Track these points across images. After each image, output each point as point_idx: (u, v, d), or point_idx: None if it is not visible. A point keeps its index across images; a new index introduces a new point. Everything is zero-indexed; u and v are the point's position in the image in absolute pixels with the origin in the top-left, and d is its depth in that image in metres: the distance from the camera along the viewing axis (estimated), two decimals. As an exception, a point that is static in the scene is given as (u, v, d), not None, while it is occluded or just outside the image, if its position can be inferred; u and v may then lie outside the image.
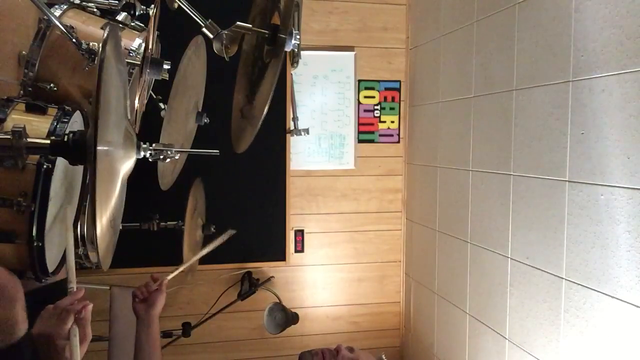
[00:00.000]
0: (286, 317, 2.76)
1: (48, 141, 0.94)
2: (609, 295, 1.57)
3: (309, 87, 2.98)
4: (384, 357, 1.62)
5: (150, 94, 1.92)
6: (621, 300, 1.53)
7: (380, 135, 3.09)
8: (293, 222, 2.98)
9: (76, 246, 1.58)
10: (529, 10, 1.96)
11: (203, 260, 2.48)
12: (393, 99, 3.09)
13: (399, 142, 3.11)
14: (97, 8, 1.57)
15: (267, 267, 2.95)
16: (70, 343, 1.00)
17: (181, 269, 1.53)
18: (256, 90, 1.35)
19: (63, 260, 1.43)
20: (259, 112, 1.24)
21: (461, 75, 2.46)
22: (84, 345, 1.04)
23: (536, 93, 1.91)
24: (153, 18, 1.25)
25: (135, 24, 1.64)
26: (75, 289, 1.12)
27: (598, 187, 1.62)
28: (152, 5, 1.35)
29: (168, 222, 2.35)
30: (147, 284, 1.52)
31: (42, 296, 1.50)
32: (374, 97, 3.07)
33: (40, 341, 1.01)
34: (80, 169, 1.47)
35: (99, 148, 0.78)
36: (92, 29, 1.45)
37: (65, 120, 1.26)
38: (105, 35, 0.85)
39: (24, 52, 1.41)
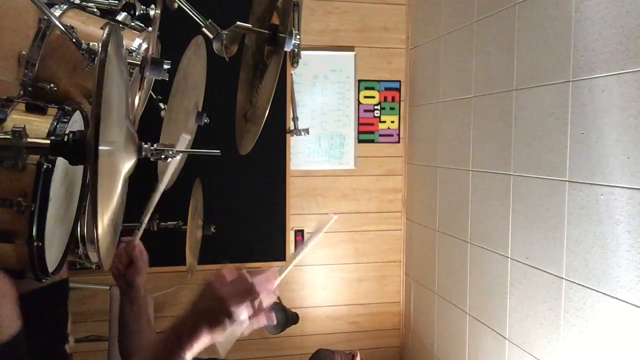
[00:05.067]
0: (286, 317, 2.75)
1: (48, 141, 0.94)
2: (609, 295, 1.57)
3: (309, 87, 2.98)
4: None
5: (150, 94, 1.92)
6: (621, 300, 1.53)
7: (380, 135, 3.09)
8: (293, 222, 2.98)
9: (76, 246, 1.58)
10: (529, 10, 1.96)
11: (203, 260, 2.49)
12: (393, 99, 3.09)
13: (399, 142, 3.12)
14: (97, 8, 1.57)
15: (267, 267, 2.95)
16: (231, 328, 0.85)
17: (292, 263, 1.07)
18: (257, 91, 1.35)
19: (63, 260, 1.43)
20: (261, 113, 1.24)
21: (461, 75, 2.46)
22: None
23: (536, 93, 1.91)
24: (155, 19, 1.25)
25: (135, 24, 1.64)
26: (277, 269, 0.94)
27: (598, 187, 1.62)
28: (153, 6, 1.35)
29: (168, 222, 2.35)
30: (125, 249, 1.34)
31: (41, 297, 1.49)
32: (374, 97, 3.07)
33: (207, 293, 0.84)
34: (80, 169, 1.47)
35: (100, 148, 0.78)
36: (92, 29, 1.44)
37: (65, 120, 1.26)
38: (106, 34, 0.85)
39: (24, 52, 1.41)
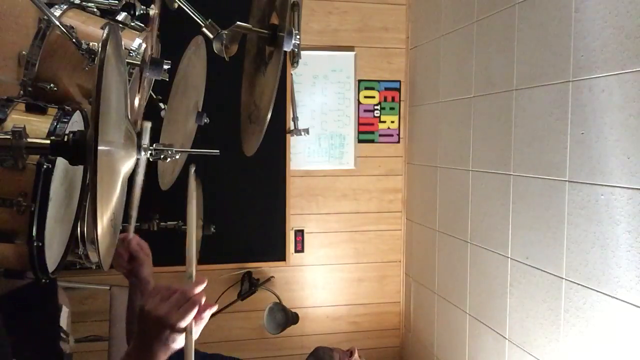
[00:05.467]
0: (286, 317, 2.76)
1: (48, 141, 0.94)
2: (609, 295, 1.57)
3: (309, 87, 2.98)
4: None
5: (150, 94, 1.92)
6: (621, 300, 1.53)
7: (380, 135, 3.09)
8: (293, 222, 2.98)
9: (77, 246, 1.58)
10: (529, 10, 1.96)
11: (203, 261, 2.49)
12: (393, 99, 3.09)
13: (399, 142, 3.12)
14: (97, 8, 1.57)
15: (267, 267, 2.95)
16: (186, 341, 0.89)
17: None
18: (260, 93, 1.35)
19: (63, 260, 1.43)
20: (264, 114, 1.24)
21: (461, 75, 2.46)
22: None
23: (536, 93, 1.91)
24: (153, 19, 1.25)
25: (135, 24, 1.64)
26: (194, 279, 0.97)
27: (598, 187, 1.62)
28: (153, 6, 1.35)
29: (168, 222, 2.35)
30: (123, 247, 1.37)
31: (30, 293, 1.49)
32: (374, 97, 3.07)
33: (148, 320, 0.89)
34: (80, 169, 1.47)
35: (100, 148, 0.78)
36: (92, 29, 1.44)
37: (65, 120, 1.26)
38: (105, 34, 0.85)
39: (24, 52, 1.41)
